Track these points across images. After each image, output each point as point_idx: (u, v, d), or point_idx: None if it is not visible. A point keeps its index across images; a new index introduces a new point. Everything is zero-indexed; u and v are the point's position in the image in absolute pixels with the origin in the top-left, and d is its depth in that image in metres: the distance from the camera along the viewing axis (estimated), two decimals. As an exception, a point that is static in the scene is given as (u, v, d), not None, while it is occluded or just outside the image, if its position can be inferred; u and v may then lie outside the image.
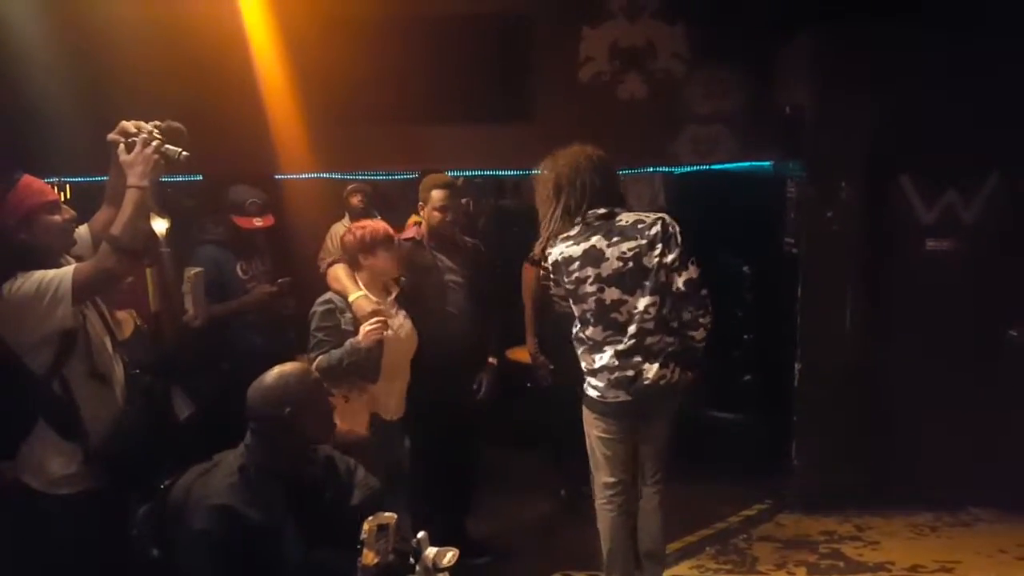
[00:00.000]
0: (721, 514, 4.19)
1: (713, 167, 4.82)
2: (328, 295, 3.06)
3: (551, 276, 2.98)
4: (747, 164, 4.88)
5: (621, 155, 4.98)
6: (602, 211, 2.87)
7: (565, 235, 2.91)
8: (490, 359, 3.81)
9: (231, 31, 4.31)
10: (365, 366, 2.96)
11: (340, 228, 4.52)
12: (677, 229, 2.85)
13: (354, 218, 4.52)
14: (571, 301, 2.95)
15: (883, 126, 4.04)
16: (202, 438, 2.42)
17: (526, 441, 4.55)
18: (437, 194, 3.51)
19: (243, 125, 4.32)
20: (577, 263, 2.87)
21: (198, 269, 3.55)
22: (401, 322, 3.16)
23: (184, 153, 2.31)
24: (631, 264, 2.82)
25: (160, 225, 3.85)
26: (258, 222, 3.77)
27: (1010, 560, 3.71)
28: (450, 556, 2.00)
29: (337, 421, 2.76)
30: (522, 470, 4.60)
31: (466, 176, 4.91)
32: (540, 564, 3.74)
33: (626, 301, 2.84)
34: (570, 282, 2.90)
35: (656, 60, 4.72)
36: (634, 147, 4.71)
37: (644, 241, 2.82)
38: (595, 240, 2.86)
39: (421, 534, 2.05)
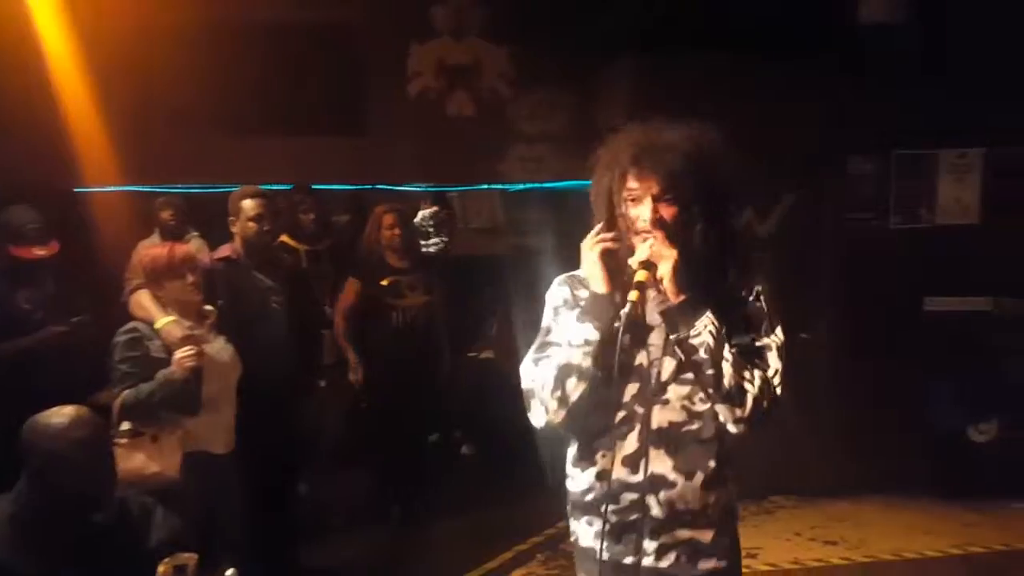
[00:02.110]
0: (550, 520, 4.29)
1: (545, 185, 4.96)
2: (132, 324, 2.78)
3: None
4: (576, 183, 5.06)
5: (454, 172, 5.08)
6: None
7: None
8: (319, 381, 3.69)
9: (16, 29, 3.91)
10: (181, 398, 2.71)
11: (148, 246, 4.20)
12: None
13: (165, 235, 4.21)
14: None
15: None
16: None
17: (355, 462, 4.43)
18: (248, 204, 3.28)
19: (34, 131, 3.93)
20: None
21: None
22: (221, 346, 2.94)
23: None
24: None
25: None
26: (39, 251, 3.33)
27: (804, 541, 4.11)
28: (262, 592, 1.91)
29: (140, 463, 2.61)
30: (352, 491, 4.48)
31: (317, 188, 4.67)
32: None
33: None
34: None
35: (482, 79, 4.81)
36: (466, 164, 4.77)
37: None
38: None
39: (229, 572, 1.95)
